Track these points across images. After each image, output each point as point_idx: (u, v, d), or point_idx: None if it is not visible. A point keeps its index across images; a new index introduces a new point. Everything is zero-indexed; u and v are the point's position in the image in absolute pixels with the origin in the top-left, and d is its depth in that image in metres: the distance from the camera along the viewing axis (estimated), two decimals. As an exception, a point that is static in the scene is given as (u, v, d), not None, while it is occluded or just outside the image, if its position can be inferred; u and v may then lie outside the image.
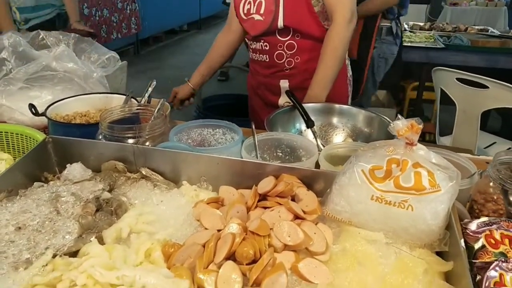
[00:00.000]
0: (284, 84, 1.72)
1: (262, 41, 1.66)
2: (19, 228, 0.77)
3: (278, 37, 1.61)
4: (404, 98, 4.01)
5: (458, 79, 2.35)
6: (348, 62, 1.79)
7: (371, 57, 2.71)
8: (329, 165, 1.00)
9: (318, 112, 1.43)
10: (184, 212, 0.88)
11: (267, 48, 1.67)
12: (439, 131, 2.70)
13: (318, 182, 0.92)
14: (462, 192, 0.84)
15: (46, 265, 0.71)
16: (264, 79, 1.77)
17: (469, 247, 0.77)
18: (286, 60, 1.66)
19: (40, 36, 1.40)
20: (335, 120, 1.44)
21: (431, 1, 5.85)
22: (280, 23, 1.56)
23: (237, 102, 2.79)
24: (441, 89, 2.49)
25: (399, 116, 0.80)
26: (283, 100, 1.74)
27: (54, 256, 0.73)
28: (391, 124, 0.80)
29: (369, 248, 0.78)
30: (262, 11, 1.59)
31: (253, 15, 1.62)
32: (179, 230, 0.83)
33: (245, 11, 1.65)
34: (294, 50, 1.63)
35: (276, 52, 1.66)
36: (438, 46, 3.26)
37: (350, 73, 1.80)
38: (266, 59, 1.70)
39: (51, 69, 1.28)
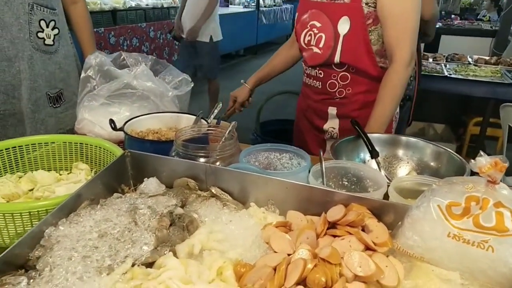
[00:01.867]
0: (332, 111, 1.76)
1: (318, 69, 1.72)
2: (102, 235, 0.82)
3: (334, 68, 1.66)
4: (465, 133, 3.85)
5: (529, 116, 2.24)
6: None
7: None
8: (400, 198, 0.98)
9: (383, 143, 1.42)
10: (252, 234, 0.89)
11: (321, 76, 1.72)
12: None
13: (387, 215, 0.90)
14: (546, 237, 0.79)
15: (126, 272, 0.74)
16: (313, 104, 1.82)
17: (556, 297, 0.72)
18: (338, 90, 1.70)
19: (122, 57, 1.51)
20: (400, 152, 1.42)
21: (497, 34, 5.64)
22: (337, 58, 1.61)
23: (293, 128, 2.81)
24: (510, 126, 2.37)
25: (481, 152, 0.78)
26: (328, 125, 1.79)
27: (133, 265, 0.77)
28: (472, 161, 0.78)
29: (444, 287, 0.75)
30: (321, 45, 1.64)
31: (312, 47, 1.69)
32: (248, 251, 0.85)
33: (306, 42, 1.72)
34: (347, 82, 1.68)
35: (330, 81, 1.70)
36: (506, 82, 3.12)
37: (397, 109, 1.80)
38: (319, 86, 1.75)
39: (131, 87, 1.37)
